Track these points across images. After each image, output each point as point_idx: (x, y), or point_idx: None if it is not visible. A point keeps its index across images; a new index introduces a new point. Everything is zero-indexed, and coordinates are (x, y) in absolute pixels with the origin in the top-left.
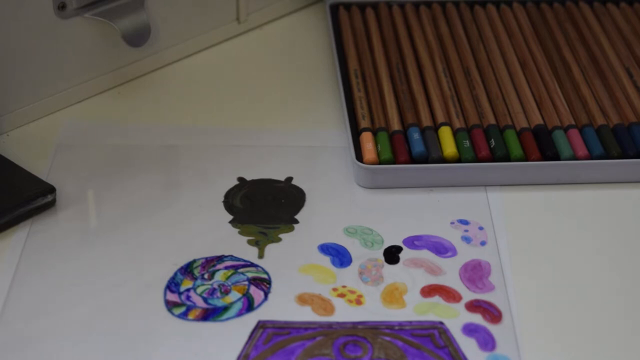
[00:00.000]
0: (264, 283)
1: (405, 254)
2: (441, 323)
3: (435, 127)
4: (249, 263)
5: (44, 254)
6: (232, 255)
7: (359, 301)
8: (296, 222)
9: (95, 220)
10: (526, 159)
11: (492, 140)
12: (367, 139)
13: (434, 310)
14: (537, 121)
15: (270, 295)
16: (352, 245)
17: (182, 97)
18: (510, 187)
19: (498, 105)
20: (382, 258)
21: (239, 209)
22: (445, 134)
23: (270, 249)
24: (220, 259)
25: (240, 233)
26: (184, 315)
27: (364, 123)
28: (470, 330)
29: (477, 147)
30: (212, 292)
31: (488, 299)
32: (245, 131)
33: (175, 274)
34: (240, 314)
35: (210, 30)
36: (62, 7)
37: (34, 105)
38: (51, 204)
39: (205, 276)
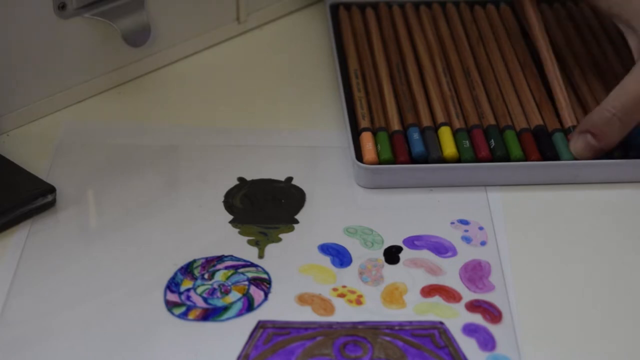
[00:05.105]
0: (264, 283)
1: (405, 254)
2: (441, 323)
3: (435, 127)
4: (249, 263)
5: (44, 254)
6: (232, 255)
7: (359, 301)
8: (296, 222)
9: (95, 220)
10: (526, 160)
11: (492, 140)
12: (367, 139)
13: (434, 310)
14: (537, 122)
15: (270, 295)
16: (352, 245)
17: (182, 97)
18: (510, 187)
19: (498, 105)
20: (382, 258)
21: (239, 209)
22: (445, 134)
23: (270, 249)
24: (220, 259)
25: (240, 233)
26: (184, 315)
27: (364, 123)
28: (470, 330)
29: (477, 147)
30: (212, 292)
31: (488, 299)
32: (246, 131)
33: (175, 274)
34: (240, 314)
35: (210, 30)
36: (62, 7)
37: (34, 105)
38: (51, 204)
39: (206, 276)
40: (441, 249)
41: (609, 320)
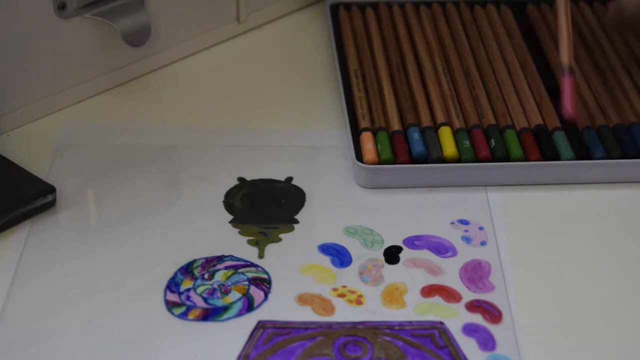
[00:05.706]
0: (264, 283)
1: (405, 254)
2: (441, 323)
3: (435, 127)
4: (249, 263)
5: (44, 254)
6: (232, 255)
7: (359, 301)
8: (296, 222)
9: (95, 220)
10: (526, 159)
11: (492, 140)
12: (367, 139)
13: (434, 310)
14: (537, 121)
15: (270, 295)
16: (352, 245)
17: (182, 97)
18: (510, 187)
19: (498, 105)
20: (382, 258)
21: (239, 209)
22: (445, 134)
23: (270, 249)
24: (220, 259)
25: (240, 233)
26: (184, 315)
27: (364, 123)
28: (470, 330)
29: (477, 147)
30: (212, 292)
31: (488, 299)
32: (245, 131)
33: (175, 274)
34: (240, 314)
35: (210, 30)
36: (62, 7)
37: (34, 105)
38: (51, 204)
39: (206, 276)
40: (441, 249)
41: (609, 320)
